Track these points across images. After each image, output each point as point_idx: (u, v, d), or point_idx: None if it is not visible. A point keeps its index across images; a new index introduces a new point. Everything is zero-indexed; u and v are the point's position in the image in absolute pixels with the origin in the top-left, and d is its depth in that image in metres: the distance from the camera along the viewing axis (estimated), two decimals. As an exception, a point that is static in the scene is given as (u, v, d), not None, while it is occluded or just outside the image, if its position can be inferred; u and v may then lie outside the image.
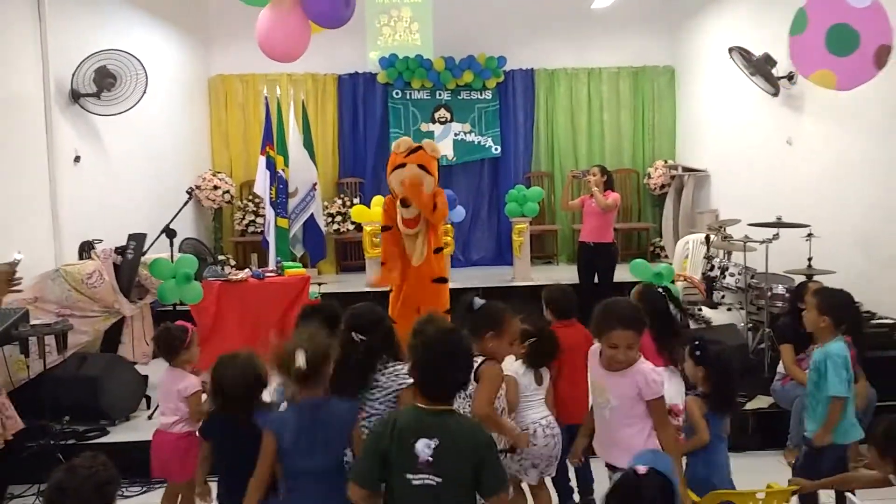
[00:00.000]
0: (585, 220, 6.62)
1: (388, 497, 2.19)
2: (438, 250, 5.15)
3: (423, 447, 2.08)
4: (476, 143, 9.30)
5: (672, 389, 3.59)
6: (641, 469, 2.15)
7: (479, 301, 2.94)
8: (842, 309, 3.34)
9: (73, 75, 6.04)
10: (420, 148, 4.97)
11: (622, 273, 6.57)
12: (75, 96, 6.08)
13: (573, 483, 3.70)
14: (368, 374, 2.79)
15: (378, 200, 7.69)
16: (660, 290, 3.83)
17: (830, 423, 3.21)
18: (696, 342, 3.03)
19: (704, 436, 3.06)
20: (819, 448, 3.23)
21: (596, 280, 6.53)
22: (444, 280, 5.15)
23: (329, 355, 2.50)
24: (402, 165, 4.90)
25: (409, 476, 2.10)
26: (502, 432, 2.83)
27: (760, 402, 4.57)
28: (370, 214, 7.51)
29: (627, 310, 2.69)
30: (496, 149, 9.31)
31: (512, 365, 3.27)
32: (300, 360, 2.39)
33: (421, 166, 4.88)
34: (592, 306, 2.79)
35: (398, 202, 4.89)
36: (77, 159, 6.16)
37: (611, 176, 6.66)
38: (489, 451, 2.14)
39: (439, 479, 2.08)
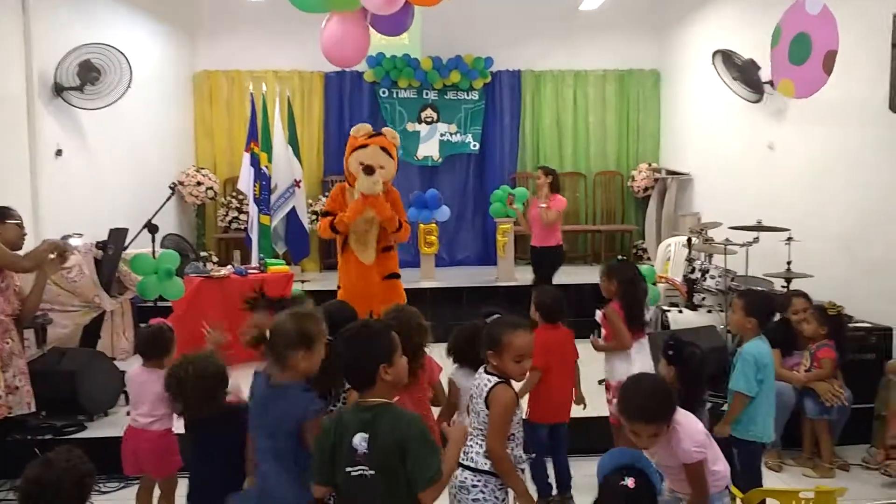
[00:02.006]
0: (532, 225, 6.68)
1: (336, 490, 2.26)
2: (388, 248, 5.10)
3: (360, 441, 2.16)
4: (456, 141, 9.34)
5: (645, 364, 3.71)
6: (631, 483, 2.19)
7: (492, 314, 2.82)
8: (767, 311, 3.52)
9: (57, 68, 6.00)
10: (380, 134, 4.99)
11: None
12: (58, 90, 6.04)
13: (551, 480, 3.77)
14: (339, 375, 2.70)
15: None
16: (623, 257, 3.99)
17: (729, 416, 3.35)
18: (671, 342, 3.04)
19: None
20: (734, 442, 3.33)
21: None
22: (396, 276, 5.10)
23: (303, 343, 2.43)
24: (364, 146, 4.85)
25: (349, 469, 2.18)
26: (509, 482, 2.59)
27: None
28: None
29: (651, 399, 2.50)
30: (475, 145, 9.34)
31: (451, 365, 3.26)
32: (267, 332, 2.48)
33: (383, 148, 4.86)
34: None
35: (361, 170, 4.78)
36: (59, 153, 6.12)
37: (556, 176, 6.65)
38: (414, 445, 2.13)
39: (373, 472, 2.16)
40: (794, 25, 4.74)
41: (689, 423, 2.57)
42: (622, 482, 2.22)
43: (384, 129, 5.09)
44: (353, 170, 4.87)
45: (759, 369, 3.32)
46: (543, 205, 6.45)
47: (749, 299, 3.48)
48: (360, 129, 4.99)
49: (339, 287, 5.18)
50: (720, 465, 2.66)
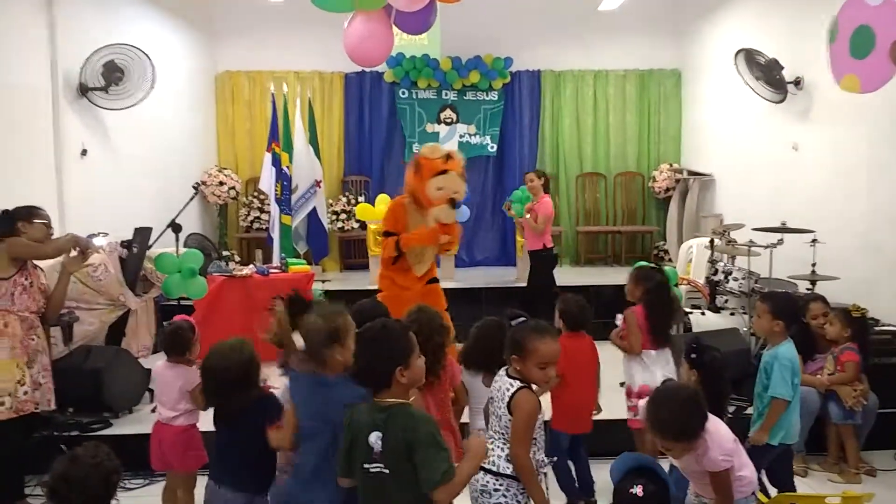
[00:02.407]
0: (524, 230, 6.79)
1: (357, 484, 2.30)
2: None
3: (375, 439, 2.18)
4: (475, 143, 9.32)
5: (668, 374, 3.67)
6: (640, 491, 2.17)
7: (517, 317, 2.74)
8: (792, 313, 3.47)
9: (82, 69, 6.08)
10: (451, 157, 4.85)
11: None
12: (83, 90, 6.12)
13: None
14: None
15: (383, 199, 7.71)
16: (654, 267, 3.98)
17: (768, 423, 3.29)
18: (693, 345, 2.98)
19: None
20: (759, 448, 3.27)
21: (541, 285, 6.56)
22: (435, 280, 5.09)
23: (335, 339, 2.50)
24: (444, 172, 4.72)
25: (367, 466, 2.21)
26: (529, 490, 2.55)
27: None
28: (375, 213, 7.53)
29: (683, 417, 2.44)
30: (492, 147, 9.31)
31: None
32: (298, 341, 2.57)
33: (460, 174, 4.82)
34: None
35: (447, 202, 4.67)
36: (84, 153, 6.20)
37: (547, 178, 6.70)
38: (423, 446, 2.15)
39: (387, 470, 2.19)
40: (854, 19, 4.59)
41: (717, 432, 2.52)
42: (631, 490, 2.21)
43: (453, 152, 4.92)
44: (430, 195, 4.71)
45: (794, 373, 3.29)
46: (528, 214, 6.52)
47: (774, 302, 3.42)
48: (435, 151, 4.83)
49: (378, 291, 5.07)
50: (746, 471, 2.61)
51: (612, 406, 3.93)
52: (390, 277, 4.94)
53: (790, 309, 3.45)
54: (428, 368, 2.48)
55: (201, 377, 2.96)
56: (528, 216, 6.51)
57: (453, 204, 4.68)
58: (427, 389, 2.90)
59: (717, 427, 2.54)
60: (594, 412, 3.81)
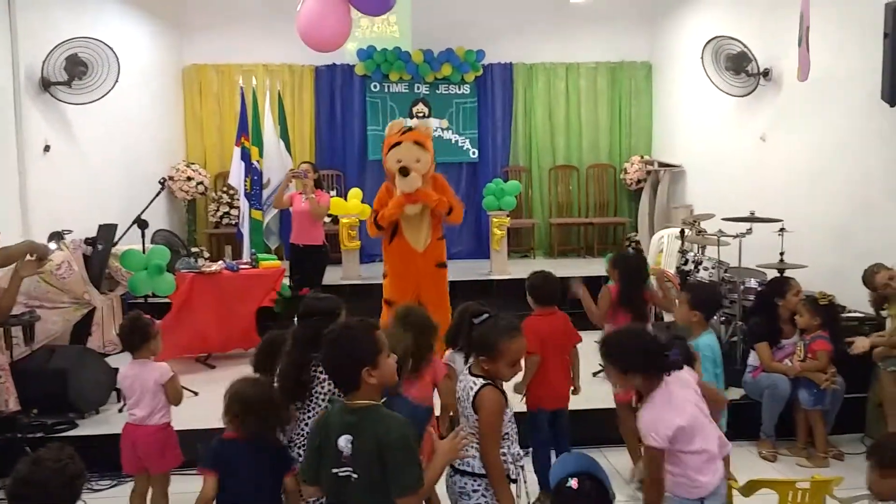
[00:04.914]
0: (294, 220, 6.44)
1: (323, 489, 2.25)
2: (441, 238, 5.24)
3: (345, 443, 2.12)
4: (453, 142, 9.25)
5: None
6: (574, 483, 2.18)
7: (480, 314, 2.64)
8: (711, 303, 3.59)
9: (44, 63, 5.93)
10: (410, 128, 5.01)
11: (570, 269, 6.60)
12: (45, 84, 5.97)
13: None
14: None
15: (356, 193, 7.65)
16: (632, 248, 4.13)
17: None
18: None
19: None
20: None
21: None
22: (443, 265, 5.21)
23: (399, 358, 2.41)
24: (398, 144, 4.86)
25: (336, 470, 2.15)
26: (496, 491, 2.52)
27: (732, 393, 4.62)
28: (347, 207, 7.47)
29: (619, 345, 2.59)
30: (473, 152, 9.27)
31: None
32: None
33: (416, 143, 4.87)
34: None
35: (397, 171, 4.81)
36: (47, 149, 6.06)
37: (320, 175, 6.60)
38: (396, 452, 2.10)
39: (356, 475, 2.13)
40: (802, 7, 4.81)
41: (665, 407, 2.49)
42: (567, 485, 2.23)
43: (415, 125, 5.08)
44: (391, 168, 4.89)
45: (716, 364, 3.36)
46: (313, 195, 6.20)
47: (694, 293, 3.55)
48: (394, 126, 5.01)
49: (385, 274, 5.22)
50: (701, 477, 2.50)
51: (587, 394, 3.90)
52: (391, 258, 5.10)
53: (709, 300, 3.57)
54: (413, 365, 2.47)
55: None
56: (313, 196, 6.19)
57: (403, 172, 4.77)
58: (409, 386, 2.86)
59: (667, 403, 2.49)
60: (573, 393, 3.77)
